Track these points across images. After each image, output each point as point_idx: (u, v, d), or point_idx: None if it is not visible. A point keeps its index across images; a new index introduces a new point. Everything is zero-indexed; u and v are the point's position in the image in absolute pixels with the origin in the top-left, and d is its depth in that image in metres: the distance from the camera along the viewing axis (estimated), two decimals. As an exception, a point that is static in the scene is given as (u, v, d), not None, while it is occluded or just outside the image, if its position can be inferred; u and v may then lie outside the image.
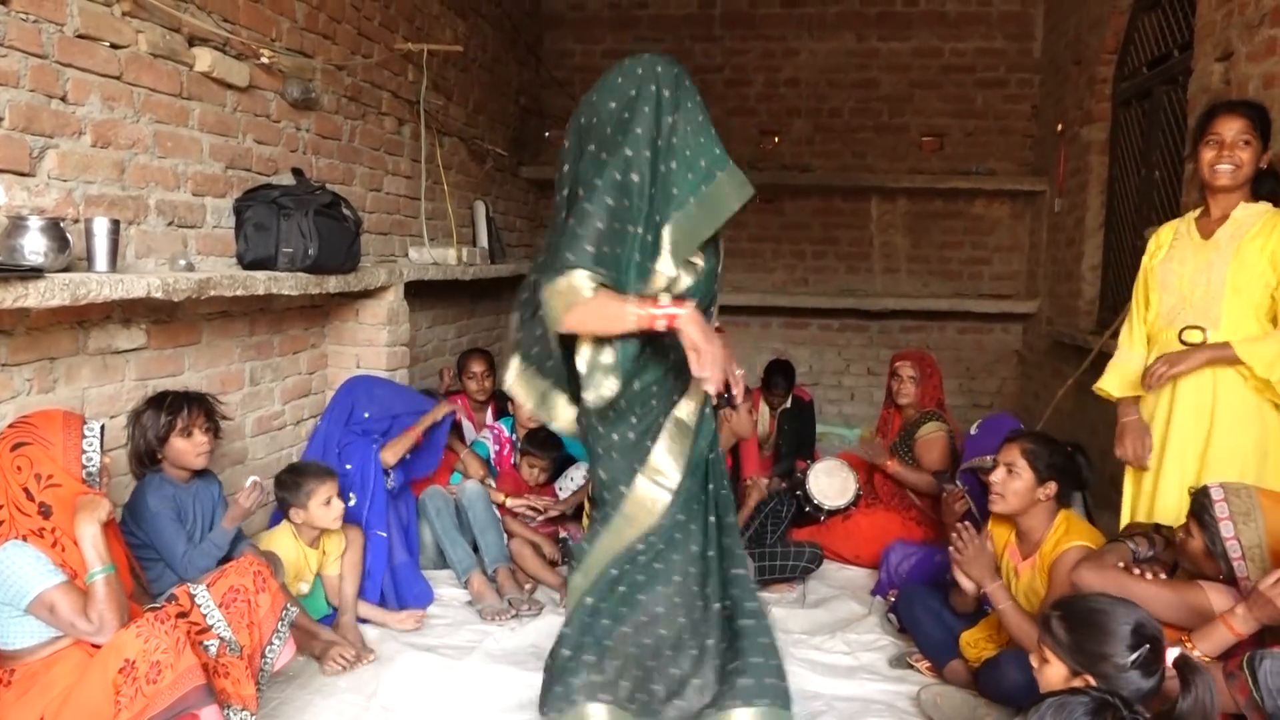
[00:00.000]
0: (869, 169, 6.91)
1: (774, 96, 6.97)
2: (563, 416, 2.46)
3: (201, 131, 3.11)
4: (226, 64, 3.16)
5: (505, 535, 3.88)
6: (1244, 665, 1.98)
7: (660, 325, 2.07)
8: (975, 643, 2.91)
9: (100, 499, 2.19)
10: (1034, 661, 2.09)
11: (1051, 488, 2.83)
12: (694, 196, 2.13)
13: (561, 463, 4.33)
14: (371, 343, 4.03)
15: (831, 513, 4.26)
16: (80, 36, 2.58)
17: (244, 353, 3.44)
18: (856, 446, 4.94)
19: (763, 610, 2.45)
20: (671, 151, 2.15)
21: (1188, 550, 2.36)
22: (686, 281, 2.20)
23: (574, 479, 4.32)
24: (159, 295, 2.56)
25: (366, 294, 3.95)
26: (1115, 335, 4.43)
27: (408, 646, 3.17)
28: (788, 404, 5.22)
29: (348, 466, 3.52)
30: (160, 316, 2.98)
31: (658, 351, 2.28)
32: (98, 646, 2.10)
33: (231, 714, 2.25)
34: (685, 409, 2.38)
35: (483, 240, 5.54)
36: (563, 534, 4.19)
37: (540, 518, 4.07)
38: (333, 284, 3.46)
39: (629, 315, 2.08)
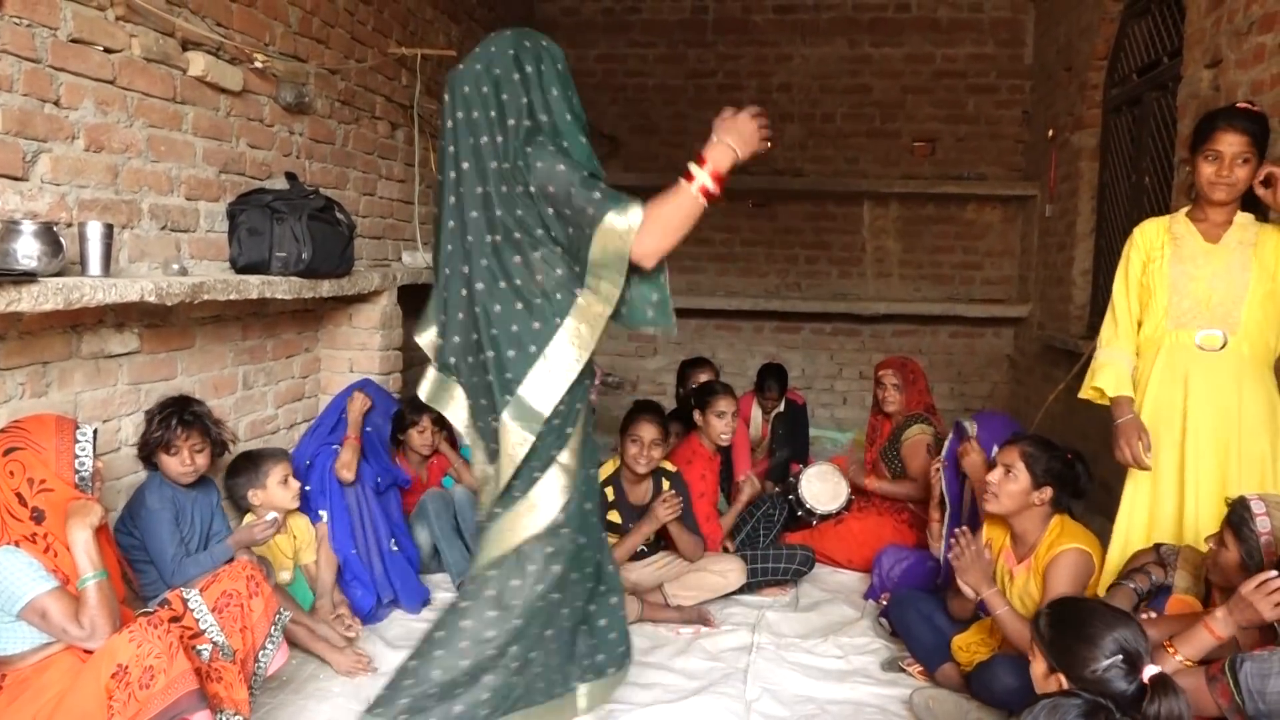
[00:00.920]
0: (861, 174, 6.94)
1: (767, 101, 6.98)
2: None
3: (195, 135, 3.11)
4: (220, 68, 3.16)
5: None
6: (1225, 669, 1.99)
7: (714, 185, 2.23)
8: (968, 646, 2.92)
9: (92, 504, 2.18)
10: (1035, 669, 2.10)
11: (1047, 493, 2.84)
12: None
13: None
14: (365, 347, 4.03)
15: (824, 517, 4.28)
16: (73, 41, 2.58)
17: (237, 357, 3.44)
18: (848, 452, 4.95)
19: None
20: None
21: (1219, 562, 2.33)
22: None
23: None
24: (152, 299, 2.56)
25: (360, 298, 3.95)
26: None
27: (402, 651, 3.17)
28: (781, 408, 5.23)
29: (306, 488, 3.44)
30: (153, 320, 2.97)
31: None
32: (89, 652, 2.10)
33: (224, 718, 2.24)
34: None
35: (476, 244, 5.53)
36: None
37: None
38: (326, 288, 3.46)
39: (695, 198, 2.22)
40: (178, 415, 2.82)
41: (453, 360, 2.41)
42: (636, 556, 3.60)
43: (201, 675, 2.17)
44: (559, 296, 2.23)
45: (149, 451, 2.83)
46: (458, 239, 2.32)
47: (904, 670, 3.13)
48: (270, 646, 2.52)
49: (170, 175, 3.01)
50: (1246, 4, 3.42)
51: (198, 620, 2.37)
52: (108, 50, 2.70)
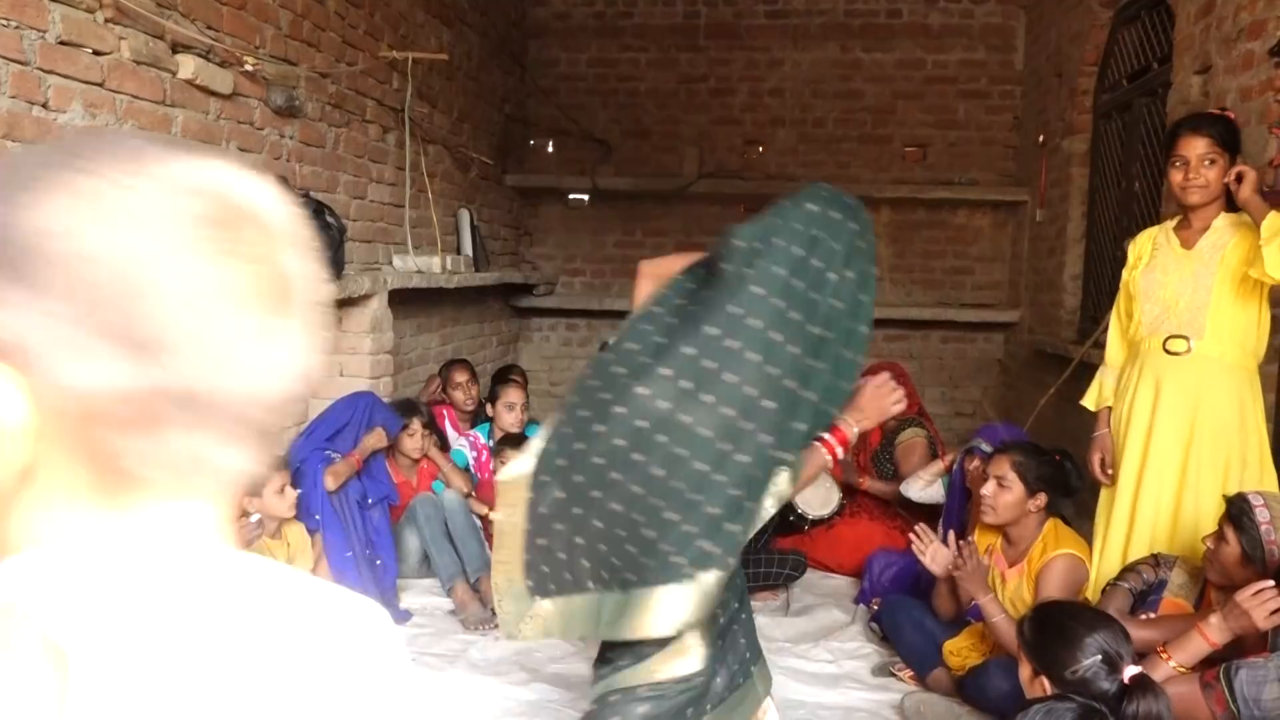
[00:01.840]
0: (853, 179, 6.94)
1: (759, 106, 7.00)
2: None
3: (184, 138, 3.10)
4: (210, 71, 3.15)
5: (488, 546, 3.88)
6: (1220, 676, 2.00)
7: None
8: (959, 651, 2.92)
9: None
10: (1023, 672, 2.10)
11: (1041, 499, 2.85)
12: None
13: None
14: (355, 351, 4.01)
15: (815, 522, 4.27)
16: (62, 43, 2.56)
17: (226, 361, 3.42)
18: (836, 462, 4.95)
19: None
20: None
21: (1219, 558, 2.34)
22: None
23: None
24: (140, 303, 2.54)
25: (350, 302, 3.94)
26: (1097, 345, 4.50)
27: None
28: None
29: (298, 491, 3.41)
30: (142, 324, 2.96)
31: None
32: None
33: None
34: None
35: (467, 248, 5.53)
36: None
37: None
38: (316, 292, 3.44)
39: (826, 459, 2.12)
40: None
41: None
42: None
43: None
44: None
45: None
46: None
47: (895, 675, 3.13)
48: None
49: (159, 178, 2.99)
50: (1235, 11, 3.44)
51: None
52: (96, 52, 2.68)
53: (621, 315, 7.79)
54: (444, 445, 4.34)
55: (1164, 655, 2.16)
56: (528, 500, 2.00)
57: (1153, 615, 2.46)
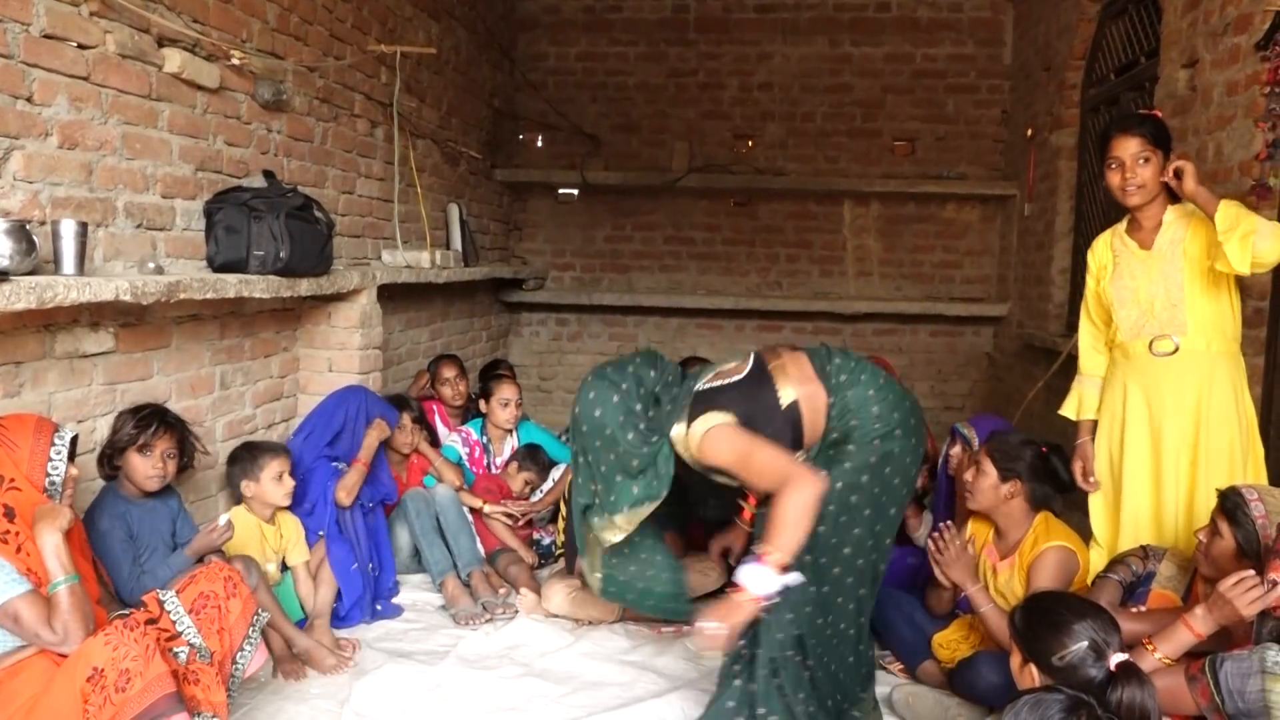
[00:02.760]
0: (842, 173, 6.95)
1: (748, 100, 7.00)
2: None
3: (171, 133, 3.08)
4: (196, 65, 3.13)
5: (480, 540, 3.89)
6: (1205, 668, 2.01)
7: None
8: (948, 644, 2.94)
9: (61, 508, 2.15)
10: (1013, 662, 2.11)
11: (1015, 486, 2.87)
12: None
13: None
14: (344, 346, 4.00)
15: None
16: (47, 36, 2.54)
17: (214, 356, 3.41)
18: None
19: None
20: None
21: (1212, 552, 2.35)
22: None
23: (550, 478, 4.33)
24: (128, 298, 2.53)
25: (339, 297, 3.92)
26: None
27: (381, 652, 3.15)
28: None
29: (305, 505, 3.41)
30: (129, 320, 2.94)
31: None
32: (64, 655, 2.07)
33: (202, 721, 2.22)
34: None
35: (456, 243, 5.52)
36: (536, 535, 4.20)
37: (519, 522, 4.08)
38: (304, 287, 3.43)
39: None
40: (160, 417, 2.77)
41: None
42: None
43: (178, 678, 2.16)
44: None
45: (118, 450, 2.72)
46: None
47: (885, 668, 3.14)
48: (248, 648, 2.50)
49: (146, 173, 2.97)
50: (1222, 5, 3.45)
51: (174, 622, 2.35)
52: (81, 46, 2.66)
53: (610, 310, 7.78)
54: (434, 440, 4.33)
55: (1149, 647, 2.17)
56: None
57: (1142, 608, 2.47)
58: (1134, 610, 2.45)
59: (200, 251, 3.22)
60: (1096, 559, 2.91)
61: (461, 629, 3.41)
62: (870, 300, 6.93)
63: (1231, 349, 2.77)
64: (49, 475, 2.21)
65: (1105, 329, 3.02)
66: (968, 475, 2.96)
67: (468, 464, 4.34)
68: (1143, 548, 2.66)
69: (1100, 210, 5.04)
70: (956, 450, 3.46)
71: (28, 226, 2.28)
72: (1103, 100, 5.07)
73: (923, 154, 6.91)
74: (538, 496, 4.28)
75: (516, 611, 3.55)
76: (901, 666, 3.10)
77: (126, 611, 2.34)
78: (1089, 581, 2.77)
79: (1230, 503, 2.31)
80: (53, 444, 2.23)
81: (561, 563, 3.91)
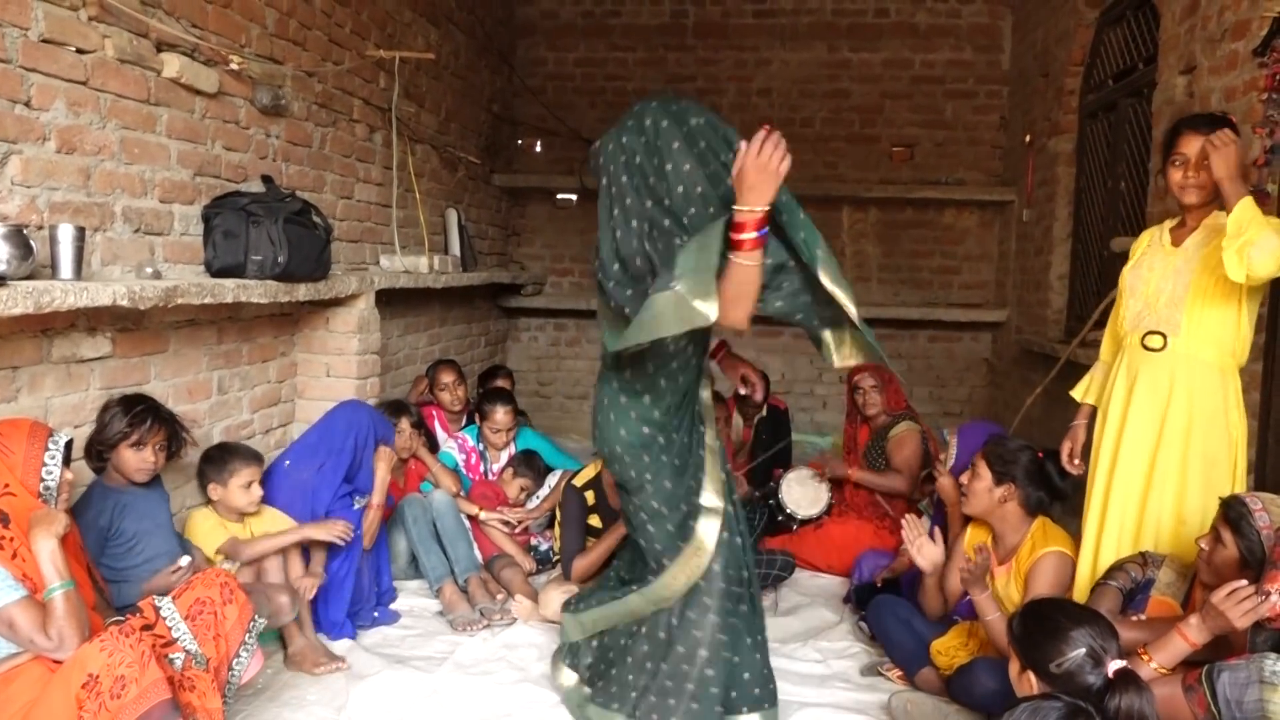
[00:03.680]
0: (840, 179, 6.96)
1: (746, 106, 7.00)
2: None
3: (169, 138, 3.08)
4: (195, 70, 3.12)
5: (477, 546, 3.88)
6: (1202, 678, 2.00)
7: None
8: (946, 650, 2.93)
9: (56, 513, 2.14)
10: (1012, 669, 2.11)
11: (1010, 490, 2.87)
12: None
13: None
14: (342, 351, 3.99)
15: (804, 522, 4.28)
16: (45, 41, 2.54)
17: (212, 361, 3.40)
18: (821, 458, 4.96)
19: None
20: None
21: (1215, 561, 2.33)
22: None
23: (546, 485, 4.33)
24: (125, 303, 2.52)
25: (337, 302, 3.92)
26: (1083, 344, 4.52)
27: (378, 658, 3.14)
28: (763, 413, 5.23)
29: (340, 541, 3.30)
30: (126, 325, 2.94)
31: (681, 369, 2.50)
32: (59, 661, 2.06)
33: (197, 728, 2.21)
34: (709, 435, 2.64)
35: (455, 248, 5.51)
36: (533, 541, 4.19)
37: (516, 529, 4.07)
38: (303, 292, 3.43)
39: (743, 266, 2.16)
40: (154, 413, 2.76)
41: None
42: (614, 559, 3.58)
43: (174, 684, 2.15)
44: None
45: (109, 445, 2.69)
46: None
47: (883, 675, 3.14)
48: (244, 654, 2.49)
49: (144, 178, 2.97)
50: (1220, 12, 3.45)
51: (170, 628, 2.34)
52: (80, 51, 2.66)
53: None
54: (433, 446, 4.33)
55: (1145, 656, 2.16)
56: None
57: (1141, 616, 2.46)
58: (1133, 618, 2.44)
59: (198, 256, 3.22)
60: (1085, 566, 2.87)
61: (459, 635, 3.40)
62: (868, 306, 6.92)
63: (1224, 362, 2.71)
64: (44, 480, 2.20)
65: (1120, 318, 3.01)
66: (965, 478, 2.98)
67: (464, 470, 4.33)
68: (1141, 554, 2.65)
69: (1099, 216, 5.04)
70: (939, 459, 3.47)
71: (25, 231, 2.28)
72: (1101, 106, 5.08)
73: (921, 159, 6.92)
74: (534, 503, 4.27)
75: (514, 617, 3.54)
76: (900, 673, 3.09)
77: (122, 618, 2.33)
78: (1080, 590, 2.76)
79: (1234, 512, 2.29)
80: (47, 449, 2.22)
81: (558, 569, 3.90)
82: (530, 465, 4.34)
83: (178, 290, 2.74)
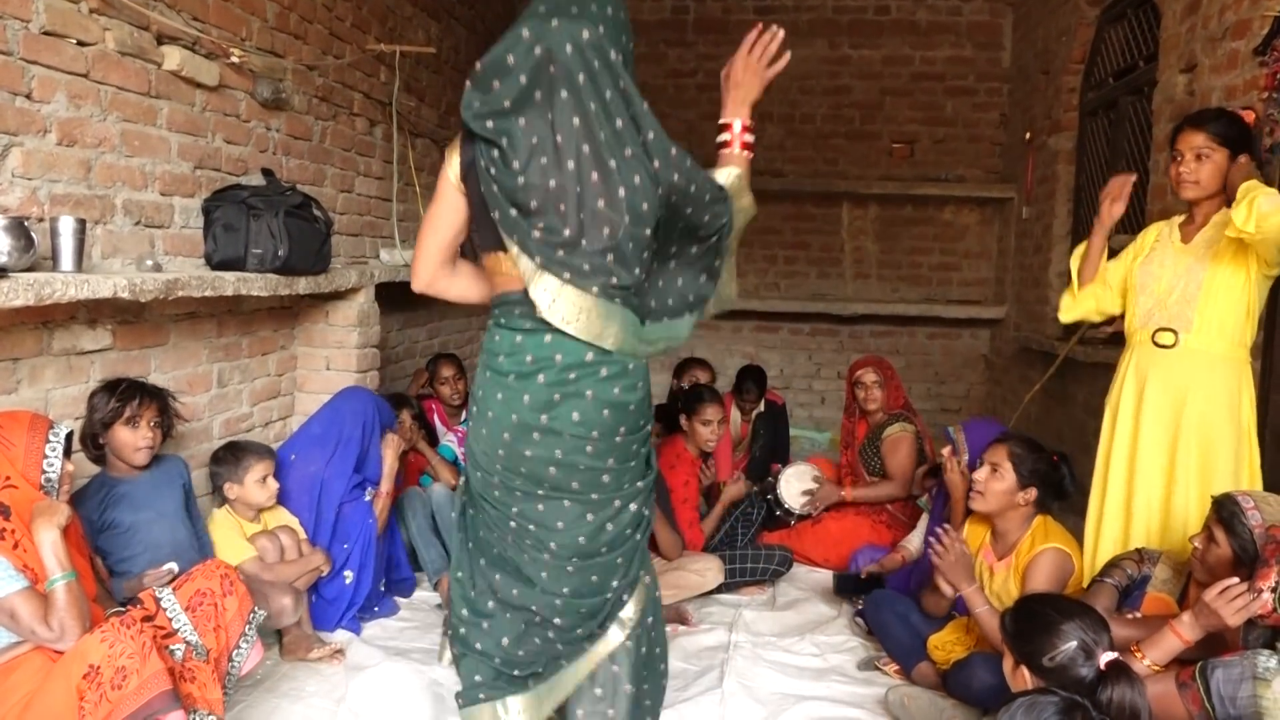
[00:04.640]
0: (840, 175, 6.96)
1: (746, 102, 6.99)
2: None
3: (170, 131, 3.08)
4: (196, 63, 3.13)
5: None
6: (1196, 675, 2.01)
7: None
8: (943, 645, 2.94)
9: (59, 504, 2.15)
10: (1005, 664, 2.12)
11: (1031, 493, 2.87)
12: None
13: None
14: (342, 345, 4.00)
15: (802, 517, 4.29)
16: (46, 33, 2.54)
17: (212, 354, 3.41)
18: (826, 452, 4.99)
19: None
20: None
21: (1208, 559, 2.34)
22: None
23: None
24: (126, 296, 2.53)
25: (337, 296, 3.92)
26: (1082, 341, 4.54)
27: (377, 650, 3.15)
28: (761, 408, 5.25)
29: (345, 546, 3.34)
30: (126, 317, 2.94)
31: None
32: (60, 652, 2.07)
33: (198, 718, 2.22)
34: None
35: (455, 242, 5.51)
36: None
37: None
38: (303, 285, 3.43)
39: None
40: (139, 387, 2.73)
41: None
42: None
43: (175, 675, 2.16)
44: None
45: (103, 427, 2.66)
46: None
47: (880, 669, 3.15)
48: (244, 645, 2.50)
49: (145, 170, 2.97)
50: (1220, 10, 3.46)
51: (170, 620, 2.35)
52: (81, 43, 2.66)
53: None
54: (432, 439, 4.34)
55: (1138, 654, 2.18)
56: None
57: (1137, 613, 2.47)
58: (1128, 616, 2.45)
59: (198, 249, 3.22)
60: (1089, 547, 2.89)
61: (457, 628, 3.40)
62: (868, 302, 6.94)
63: (1236, 354, 2.74)
64: (45, 472, 2.21)
65: (1105, 288, 3.03)
66: (979, 475, 2.93)
67: (462, 462, 4.34)
68: (1138, 551, 2.66)
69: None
70: (946, 452, 3.45)
71: (26, 223, 2.28)
72: (1101, 104, 5.08)
73: (921, 156, 6.93)
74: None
75: (512, 611, 3.55)
76: (897, 668, 3.10)
77: (123, 609, 2.34)
78: (1084, 584, 2.77)
79: (1226, 511, 2.30)
80: (48, 440, 2.23)
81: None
82: None
83: (178, 283, 2.75)
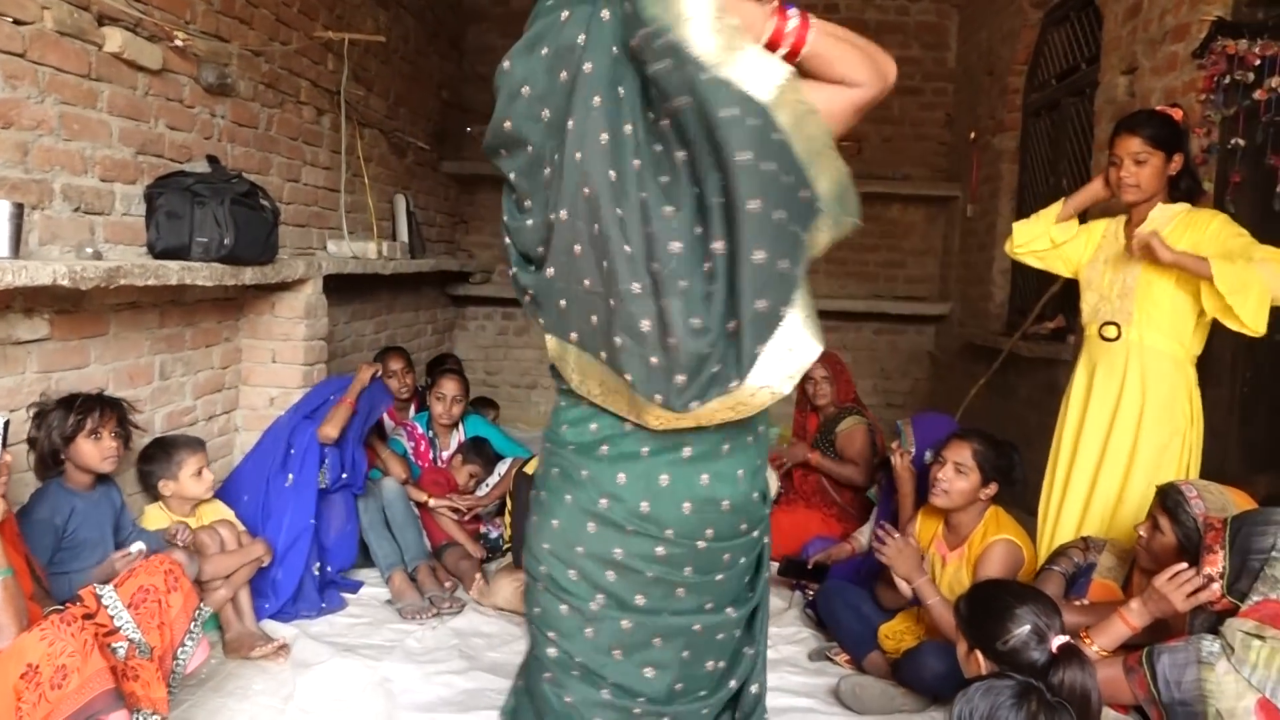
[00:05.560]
0: (789, 172, 7.00)
1: (697, 97, 7.01)
2: None
3: (111, 114, 2.99)
4: (138, 45, 3.04)
5: (427, 534, 3.85)
6: (1143, 660, 2.07)
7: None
8: (894, 634, 2.98)
9: None
10: (959, 650, 2.15)
11: (993, 489, 2.93)
12: None
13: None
14: (288, 337, 3.92)
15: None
16: (-19, 10, 2.45)
17: (154, 345, 3.32)
18: (777, 447, 5.02)
19: None
20: None
21: (1153, 547, 2.40)
22: None
23: (496, 472, 4.31)
24: (66, 283, 2.45)
25: (283, 286, 3.84)
26: (1025, 338, 4.63)
27: (326, 647, 3.10)
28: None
29: (291, 451, 3.47)
30: (65, 306, 2.85)
31: None
32: (-3, 651, 2.00)
33: (141, 718, 2.16)
34: None
35: (403, 234, 5.45)
36: (483, 529, 4.17)
37: (466, 516, 4.04)
38: (249, 275, 3.36)
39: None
40: (96, 399, 2.70)
41: None
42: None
43: (117, 674, 2.09)
44: None
45: (65, 441, 2.62)
46: None
47: (831, 659, 3.18)
48: (189, 643, 2.44)
49: (84, 155, 2.88)
50: (1161, 14, 3.55)
51: (112, 617, 2.28)
52: (17, 22, 2.57)
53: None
54: (381, 433, 4.28)
55: (1086, 639, 2.23)
56: None
57: (1084, 600, 2.53)
58: (1076, 603, 2.50)
59: (140, 237, 3.13)
60: (1044, 550, 2.96)
61: (408, 623, 3.37)
62: (816, 298, 6.90)
63: (1178, 352, 2.81)
64: (-19, 464, 2.13)
65: (1062, 232, 3.05)
66: (943, 474, 2.94)
67: (413, 457, 4.29)
68: (1084, 539, 2.73)
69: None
70: (894, 446, 3.49)
71: (-40, 207, 2.20)
72: (1044, 105, 5.19)
73: (869, 155, 7.00)
74: (484, 490, 4.25)
75: (464, 606, 3.52)
76: (848, 658, 3.14)
77: (62, 606, 2.26)
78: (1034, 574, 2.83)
79: (1171, 500, 2.36)
80: (-16, 431, 2.15)
81: (509, 557, 3.88)
82: (479, 452, 4.32)
83: (120, 271, 2.67)
